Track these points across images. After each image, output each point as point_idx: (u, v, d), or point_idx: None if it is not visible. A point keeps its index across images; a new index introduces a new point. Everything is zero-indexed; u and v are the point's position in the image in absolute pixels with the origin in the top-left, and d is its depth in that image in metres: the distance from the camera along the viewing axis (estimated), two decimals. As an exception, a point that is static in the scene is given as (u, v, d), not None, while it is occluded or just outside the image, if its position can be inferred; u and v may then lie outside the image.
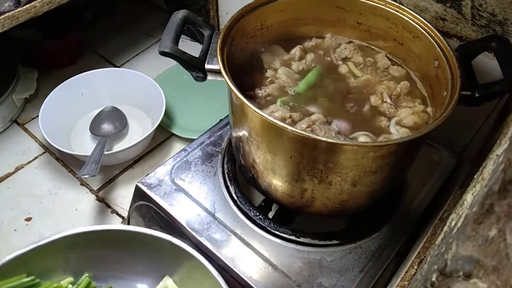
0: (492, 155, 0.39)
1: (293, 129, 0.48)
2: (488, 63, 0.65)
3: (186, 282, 0.61)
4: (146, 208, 0.67)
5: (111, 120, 0.91)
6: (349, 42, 0.70)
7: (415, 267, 0.46)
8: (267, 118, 0.49)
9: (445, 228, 0.39)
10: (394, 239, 0.64)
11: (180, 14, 0.59)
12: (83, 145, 0.88)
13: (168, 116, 0.93)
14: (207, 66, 0.57)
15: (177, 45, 0.56)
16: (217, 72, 0.57)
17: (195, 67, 0.57)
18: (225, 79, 0.53)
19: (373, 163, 0.52)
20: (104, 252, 0.61)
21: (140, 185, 0.67)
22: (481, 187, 0.31)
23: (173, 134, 0.92)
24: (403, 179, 0.69)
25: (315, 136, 0.48)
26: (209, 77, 0.59)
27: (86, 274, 0.61)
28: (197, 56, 0.57)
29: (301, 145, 0.51)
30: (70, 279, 0.61)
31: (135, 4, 1.24)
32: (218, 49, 0.56)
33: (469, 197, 0.34)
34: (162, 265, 0.61)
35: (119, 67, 1.07)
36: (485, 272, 0.25)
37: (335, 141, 0.48)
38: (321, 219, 0.68)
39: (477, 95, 0.53)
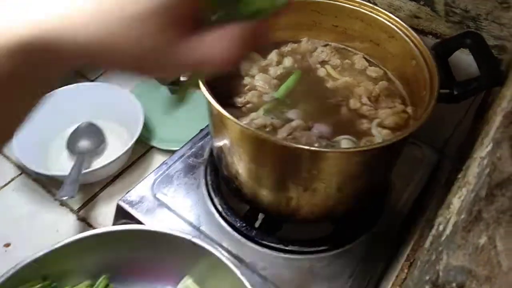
0: (476, 155, 0.39)
1: (275, 139, 0.47)
2: (464, 59, 0.65)
3: (206, 281, 0.59)
4: (129, 226, 0.65)
5: (88, 137, 0.88)
6: (326, 45, 0.70)
7: (406, 270, 0.45)
8: (247, 128, 0.48)
9: (433, 231, 0.39)
10: (382, 241, 0.63)
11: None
12: (61, 163, 0.85)
13: (147, 129, 0.91)
14: (183, 79, 0.56)
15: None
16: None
17: (176, 81, 0.55)
18: (202, 90, 0.52)
19: (357, 167, 0.51)
20: (122, 253, 0.58)
21: (121, 203, 0.65)
22: (468, 192, 0.30)
23: (153, 147, 0.90)
24: (388, 179, 0.69)
25: (297, 145, 0.48)
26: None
27: (104, 276, 0.58)
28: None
29: (283, 154, 0.50)
30: (88, 282, 0.58)
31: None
32: (193, 60, 0.55)
33: (455, 201, 0.34)
34: (182, 265, 0.58)
35: (93, 81, 1.04)
36: (478, 282, 0.25)
37: (317, 149, 0.47)
38: (308, 225, 0.67)
39: (455, 93, 0.53)
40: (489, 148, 0.32)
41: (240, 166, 0.57)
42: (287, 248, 0.61)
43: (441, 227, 0.35)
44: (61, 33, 0.25)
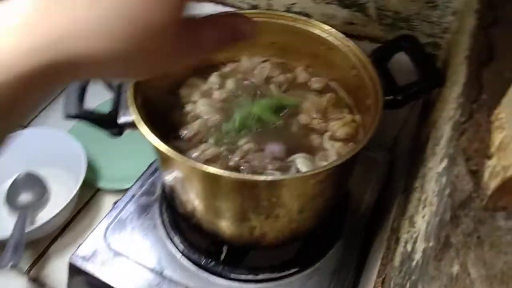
0: (431, 165, 0.39)
1: (228, 174, 0.45)
2: (404, 62, 0.65)
3: None
4: (85, 283, 0.60)
5: (29, 188, 0.82)
6: (265, 61, 0.68)
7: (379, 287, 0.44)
8: (197, 167, 0.45)
9: (401, 248, 0.38)
10: (350, 252, 0.63)
11: (80, 69, 0.54)
12: (2, 222, 0.78)
13: (91, 170, 0.85)
14: (121, 121, 0.52)
15: (83, 104, 0.51)
16: (134, 124, 0.52)
17: (108, 124, 0.52)
18: (142, 132, 0.49)
19: (316, 188, 0.50)
20: None
21: (73, 259, 0.60)
22: (431, 214, 0.29)
23: (101, 189, 0.84)
24: (346, 189, 0.68)
25: (251, 178, 0.46)
26: (127, 131, 0.54)
27: None
28: (109, 111, 0.52)
29: (239, 187, 0.48)
30: None
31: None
32: (130, 98, 0.52)
33: (419, 220, 0.33)
34: None
35: (26, 126, 0.97)
36: (459, 316, 0.23)
37: (272, 178, 0.45)
38: (273, 250, 0.65)
39: (398, 99, 0.53)
40: (444, 163, 0.31)
41: (195, 203, 0.54)
42: (257, 277, 0.58)
43: (408, 247, 0.35)
44: (74, 46, 0.24)
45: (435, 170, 0.34)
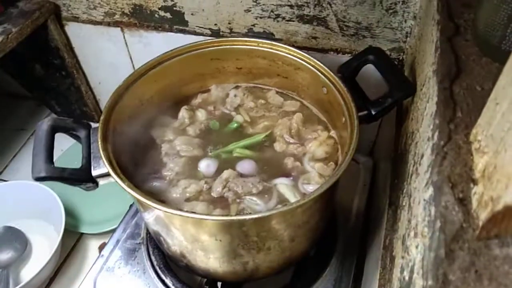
0: (416, 185, 0.38)
1: (213, 218, 0.44)
2: (371, 74, 0.65)
3: None
4: None
5: (8, 244, 0.78)
6: (236, 87, 0.67)
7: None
8: (178, 214, 0.44)
9: (398, 274, 0.38)
10: (346, 268, 0.62)
11: (44, 125, 0.52)
12: (-18, 285, 0.75)
13: (72, 216, 0.83)
14: (94, 173, 0.50)
15: (52, 163, 0.49)
16: (108, 175, 0.50)
17: (82, 179, 0.50)
18: (118, 183, 0.47)
19: (303, 215, 0.49)
20: None
21: (64, 320, 0.58)
22: (425, 247, 0.29)
23: (83, 233, 0.82)
24: (334, 206, 0.68)
25: (235, 217, 0.45)
26: (101, 182, 0.52)
27: None
28: (80, 166, 0.50)
29: (226, 227, 0.47)
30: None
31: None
32: (100, 150, 0.50)
33: (413, 250, 0.32)
34: None
35: (-4, 179, 0.94)
36: None
37: (258, 216, 0.44)
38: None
39: (373, 113, 0.53)
40: (430, 191, 0.31)
41: (183, 246, 0.52)
42: (256, 309, 0.57)
43: (405, 275, 0.34)
44: None
45: (421, 194, 0.34)
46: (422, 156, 0.38)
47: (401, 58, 0.69)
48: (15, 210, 0.82)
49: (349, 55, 0.70)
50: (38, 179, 0.47)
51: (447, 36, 0.43)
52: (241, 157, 0.58)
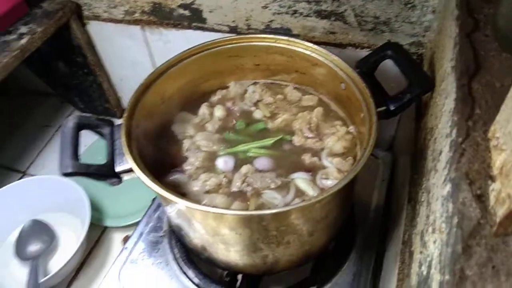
0: (434, 181, 0.39)
1: (232, 212, 0.45)
2: (390, 69, 0.65)
3: None
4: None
5: (36, 237, 0.81)
6: (255, 83, 0.68)
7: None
8: (199, 209, 0.45)
9: (416, 268, 0.38)
10: (365, 262, 0.63)
11: (70, 123, 0.53)
12: (13, 275, 0.78)
13: (96, 210, 0.85)
14: (118, 169, 0.52)
15: (78, 159, 0.51)
16: (131, 171, 0.52)
17: (106, 175, 0.52)
18: (141, 179, 0.48)
19: (323, 210, 0.50)
20: None
21: (91, 310, 0.60)
22: (442, 243, 0.29)
23: (107, 227, 0.84)
24: (352, 203, 0.68)
25: (255, 212, 0.46)
26: (125, 178, 0.54)
27: None
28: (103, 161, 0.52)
29: (246, 221, 0.48)
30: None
31: (18, 98, 1.14)
32: (124, 146, 0.51)
33: (431, 246, 0.33)
34: None
35: (24, 172, 0.97)
36: None
37: (277, 211, 0.45)
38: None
39: (392, 109, 0.53)
40: (448, 188, 0.31)
41: (204, 240, 0.54)
42: (276, 302, 0.59)
43: (423, 269, 0.35)
44: None
45: (439, 191, 0.34)
46: (441, 152, 0.38)
47: (420, 52, 0.68)
48: (42, 204, 0.85)
49: (368, 49, 0.70)
50: (66, 174, 0.49)
51: (466, 32, 0.42)
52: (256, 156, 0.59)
